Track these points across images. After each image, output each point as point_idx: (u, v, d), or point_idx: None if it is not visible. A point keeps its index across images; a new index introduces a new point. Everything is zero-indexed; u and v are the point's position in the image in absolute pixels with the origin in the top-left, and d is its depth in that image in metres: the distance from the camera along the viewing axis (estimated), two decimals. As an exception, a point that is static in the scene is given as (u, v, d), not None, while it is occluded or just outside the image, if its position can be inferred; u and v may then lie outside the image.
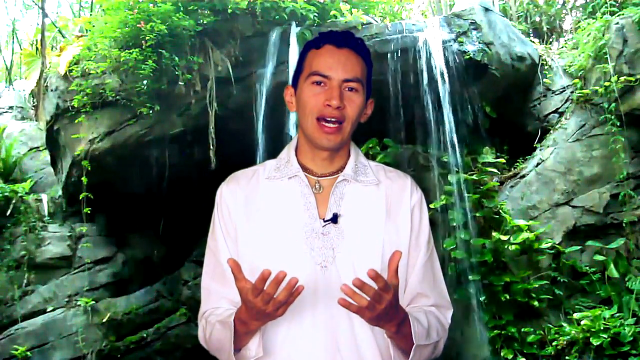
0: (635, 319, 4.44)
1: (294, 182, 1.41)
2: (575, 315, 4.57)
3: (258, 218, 1.39)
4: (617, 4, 5.92)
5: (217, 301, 1.41)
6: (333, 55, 1.37)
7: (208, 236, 1.47)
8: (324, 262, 1.34)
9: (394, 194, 1.44)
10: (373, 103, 1.46)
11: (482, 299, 4.71)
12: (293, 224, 1.36)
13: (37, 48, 8.22)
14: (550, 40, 7.52)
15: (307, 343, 1.30)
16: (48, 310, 5.53)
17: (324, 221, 1.36)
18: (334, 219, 1.36)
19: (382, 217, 1.40)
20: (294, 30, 5.25)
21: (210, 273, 1.44)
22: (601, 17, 5.41)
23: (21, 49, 10.05)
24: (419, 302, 1.42)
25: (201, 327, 1.41)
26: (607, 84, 5.07)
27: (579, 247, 4.94)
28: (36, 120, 7.90)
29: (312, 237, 1.35)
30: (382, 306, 1.16)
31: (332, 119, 1.34)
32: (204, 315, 1.41)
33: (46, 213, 6.12)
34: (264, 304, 1.16)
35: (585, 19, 6.29)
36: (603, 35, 5.18)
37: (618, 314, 4.50)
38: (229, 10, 5.18)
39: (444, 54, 5.19)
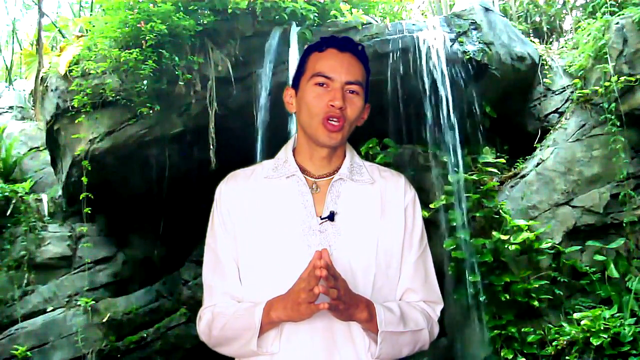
0: (635, 319, 4.44)
1: (291, 181, 1.44)
2: (575, 315, 4.57)
3: (256, 216, 1.42)
4: (617, 4, 5.92)
5: (220, 296, 1.44)
6: (336, 58, 1.42)
7: (207, 233, 1.49)
8: None
9: (388, 192, 1.48)
10: (369, 108, 1.51)
11: (482, 299, 4.71)
12: (291, 221, 1.39)
13: (36, 48, 8.21)
14: (550, 40, 7.52)
15: (305, 338, 1.33)
16: (48, 310, 5.54)
17: (321, 219, 1.39)
18: (331, 216, 1.39)
19: (377, 214, 1.44)
20: (294, 30, 5.25)
21: (210, 270, 1.47)
22: (601, 17, 5.41)
23: (21, 49, 10.06)
24: (408, 297, 1.46)
25: (205, 320, 1.43)
26: (607, 84, 5.07)
27: (579, 247, 4.94)
28: (34, 120, 7.90)
29: (309, 234, 1.38)
30: (342, 292, 1.24)
31: (335, 119, 1.38)
32: (210, 309, 1.44)
33: (46, 213, 6.12)
34: (307, 291, 1.22)
35: (585, 19, 6.29)
36: (603, 35, 5.18)
37: (618, 314, 4.50)
38: (229, 10, 5.18)
39: (444, 54, 5.19)
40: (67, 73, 5.46)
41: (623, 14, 5.22)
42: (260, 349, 1.33)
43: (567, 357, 4.41)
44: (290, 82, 1.53)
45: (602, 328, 4.32)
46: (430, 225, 4.96)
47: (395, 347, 1.36)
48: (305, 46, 1.53)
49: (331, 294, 1.21)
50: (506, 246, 4.78)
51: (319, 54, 1.43)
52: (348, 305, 1.26)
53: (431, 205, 5.02)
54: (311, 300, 1.23)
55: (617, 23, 5.13)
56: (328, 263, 1.22)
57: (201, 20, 5.22)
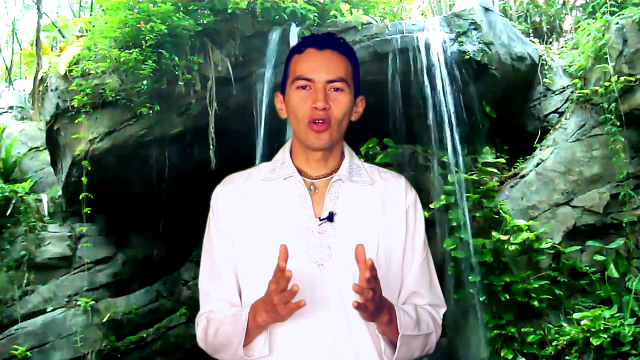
0: (635, 319, 4.44)
1: (289, 183, 1.42)
2: (575, 315, 4.57)
3: (254, 218, 1.40)
4: (617, 4, 5.92)
5: (216, 302, 1.43)
6: (315, 58, 1.38)
7: (204, 238, 1.48)
8: (321, 261, 1.35)
9: (389, 194, 1.45)
10: (364, 100, 1.47)
11: (482, 299, 4.71)
12: (289, 223, 1.37)
13: (35, 48, 8.21)
14: (550, 40, 7.53)
15: (305, 340, 1.32)
16: (48, 310, 5.54)
17: (320, 220, 1.37)
18: (330, 217, 1.37)
19: (378, 215, 1.41)
20: (294, 30, 5.25)
21: (207, 275, 1.45)
22: (601, 17, 5.41)
23: (21, 49, 10.06)
24: (413, 301, 1.45)
25: (201, 327, 1.42)
26: (607, 84, 5.07)
27: (579, 247, 4.94)
28: (34, 120, 7.90)
29: (308, 236, 1.36)
30: (377, 294, 1.21)
31: (319, 120, 1.36)
32: (205, 315, 1.42)
33: (46, 213, 6.12)
34: (277, 293, 1.20)
35: (585, 19, 6.29)
36: (603, 35, 5.18)
37: (618, 314, 4.50)
38: (229, 10, 5.18)
39: (444, 54, 5.19)
40: (67, 73, 5.46)
41: (623, 14, 5.22)
42: (252, 353, 1.32)
43: (567, 357, 4.41)
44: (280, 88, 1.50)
45: (602, 328, 4.32)
46: (430, 225, 4.96)
47: (409, 351, 1.35)
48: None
49: (366, 295, 1.18)
50: (506, 246, 4.78)
51: (298, 56, 1.40)
52: (377, 307, 1.24)
53: (431, 205, 5.02)
54: (287, 300, 1.20)
55: (617, 23, 5.13)
56: (370, 265, 1.18)
57: (201, 20, 5.22)
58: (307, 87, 1.37)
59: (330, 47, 1.39)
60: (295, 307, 1.20)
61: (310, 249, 1.34)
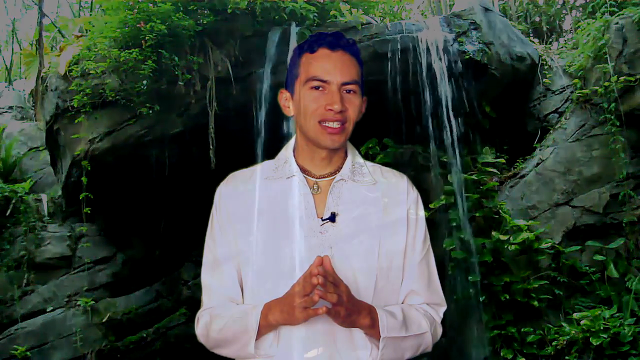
0: (635, 318, 4.44)
1: (292, 182, 1.43)
2: (575, 315, 4.57)
3: (256, 217, 1.41)
4: (617, 4, 5.92)
5: (218, 299, 1.44)
6: (329, 59, 1.39)
7: (206, 235, 1.49)
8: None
9: (391, 193, 1.47)
10: (366, 101, 1.49)
11: (482, 299, 4.71)
12: (291, 223, 1.39)
13: (36, 48, 8.21)
14: (550, 40, 7.53)
15: (305, 339, 1.33)
16: (48, 310, 5.54)
17: (322, 220, 1.38)
18: (332, 218, 1.38)
19: (379, 216, 1.42)
20: (294, 30, 5.25)
21: (209, 271, 1.47)
22: (601, 17, 5.41)
23: (21, 49, 10.05)
24: (411, 300, 1.46)
25: (203, 323, 1.43)
26: (606, 84, 5.07)
27: (579, 247, 4.94)
28: (36, 120, 7.90)
29: (310, 235, 1.37)
30: (345, 298, 1.24)
31: (335, 122, 1.37)
32: (208, 311, 1.43)
33: (46, 213, 6.12)
34: (301, 296, 1.23)
35: (585, 19, 6.30)
36: (603, 35, 5.18)
37: (618, 314, 4.50)
38: (229, 10, 5.18)
39: (444, 54, 5.19)
40: (67, 73, 5.45)
41: (623, 14, 5.22)
42: (258, 351, 1.33)
43: (566, 357, 4.41)
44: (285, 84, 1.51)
45: (601, 328, 4.32)
46: (430, 225, 4.95)
47: (398, 352, 1.36)
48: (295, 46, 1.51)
49: (330, 299, 1.21)
50: (506, 246, 4.78)
51: (310, 56, 1.41)
52: (350, 311, 1.25)
53: (431, 205, 5.02)
54: (306, 306, 1.22)
55: (617, 23, 5.13)
56: (327, 270, 1.22)
57: (201, 20, 5.21)
58: (321, 88, 1.38)
59: (342, 48, 1.40)
60: (313, 313, 1.22)
61: (312, 249, 1.35)
